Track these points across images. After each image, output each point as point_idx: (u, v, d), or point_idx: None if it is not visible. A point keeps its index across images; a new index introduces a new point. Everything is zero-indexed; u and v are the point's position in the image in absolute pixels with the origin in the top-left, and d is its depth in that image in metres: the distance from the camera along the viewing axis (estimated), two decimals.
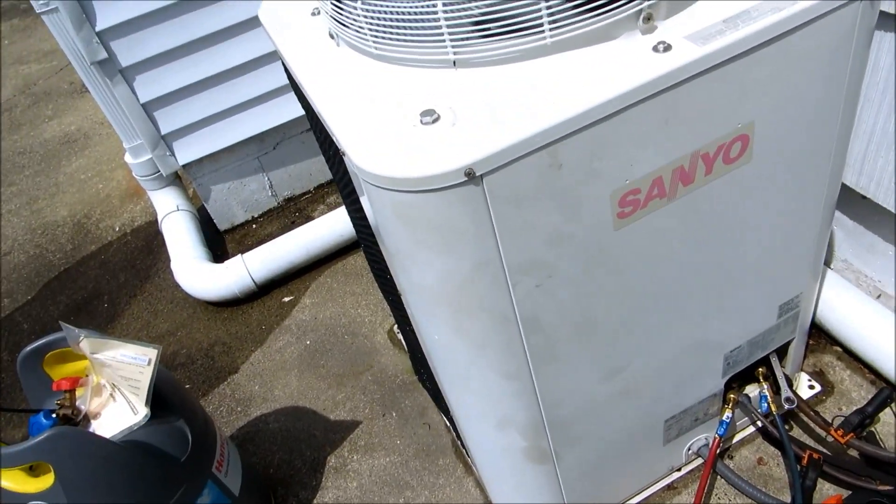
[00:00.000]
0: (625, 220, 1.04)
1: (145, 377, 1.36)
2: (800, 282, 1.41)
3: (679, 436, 1.55)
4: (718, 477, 1.64)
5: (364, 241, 1.42)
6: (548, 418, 1.27)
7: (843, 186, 1.69)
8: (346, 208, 1.59)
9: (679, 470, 1.68)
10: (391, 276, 1.26)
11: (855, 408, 1.57)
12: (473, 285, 1.02)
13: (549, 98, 0.91)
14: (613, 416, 1.37)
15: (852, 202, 1.76)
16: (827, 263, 1.94)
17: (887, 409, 1.62)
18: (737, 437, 1.71)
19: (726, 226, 1.17)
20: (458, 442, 1.86)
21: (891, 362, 1.64)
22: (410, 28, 0.96)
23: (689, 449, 1.61)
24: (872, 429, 1.62)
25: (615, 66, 0.93)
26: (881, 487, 1.44)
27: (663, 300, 1.21)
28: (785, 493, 1.59)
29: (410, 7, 0.93)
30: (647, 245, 1.10)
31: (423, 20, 0.94)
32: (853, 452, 1.60)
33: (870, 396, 1.63)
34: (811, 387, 1.76)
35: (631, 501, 1.66)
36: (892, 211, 1.60)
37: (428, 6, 0.92)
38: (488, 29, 0.94)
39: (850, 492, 1.50)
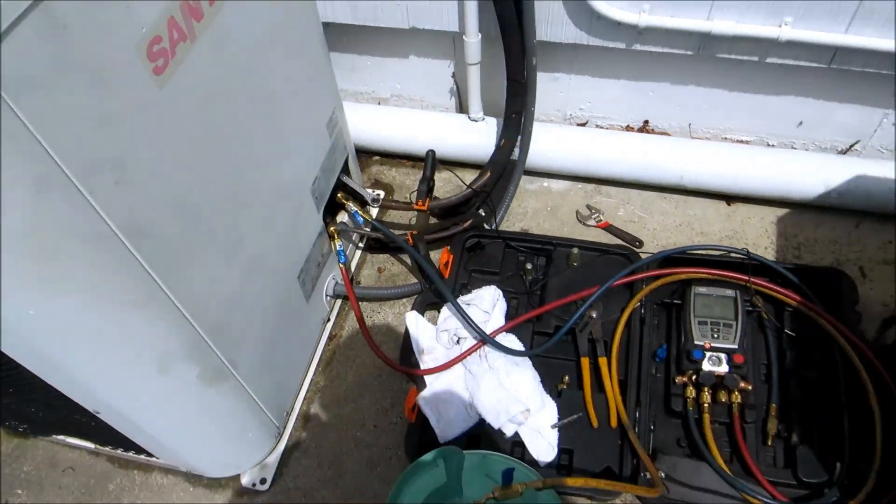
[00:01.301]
0: (164, 76, 0.96)
1: None
2: (329, 98, 1.53)
3: (314, 287, 1.61)
4: (360, 302, 1.78)
5: None
6: (203, 329, 1.16)
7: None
8: None
9: (329, 319, 1.75)
10: None
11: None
12: (44, 216, 0.84)
13: None
14: (258, 295, 1.33)
15: (331, 33, 1.94)
16: None
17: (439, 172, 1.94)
18: (353, 266, 1.85)
19: (253, 56, 1.17)
20: (118, 451, 1.60)
21: (408, 142, 1.95)
22: None
23: (327, 295, 1.69)
24: (436, 195, 1.93)
25: None
26: (466, 224, 1.75)
27: (238, 151, 1.18)
28: (410, 278, 1.81)
29: None
30: (197, 96, 1.04)
31: None
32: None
33: (418, 174, 1.92)
34: (378, 194, 1.97)
35: (310, 371, 1.68)
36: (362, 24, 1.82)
37: None
38: None
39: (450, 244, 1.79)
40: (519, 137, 1.77)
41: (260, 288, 1.34)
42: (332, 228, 1.65)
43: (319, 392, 1.67)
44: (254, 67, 1.19)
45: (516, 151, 1.80)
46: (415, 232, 1.70)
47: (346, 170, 1.68)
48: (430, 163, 1.70)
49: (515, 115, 1.72)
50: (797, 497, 1.38)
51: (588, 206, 1.88)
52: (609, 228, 1.83)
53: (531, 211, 1.91)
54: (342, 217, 1.73)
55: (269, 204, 1.32)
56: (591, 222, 1.85)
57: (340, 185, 1.67)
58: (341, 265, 1.65)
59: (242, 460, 1.53)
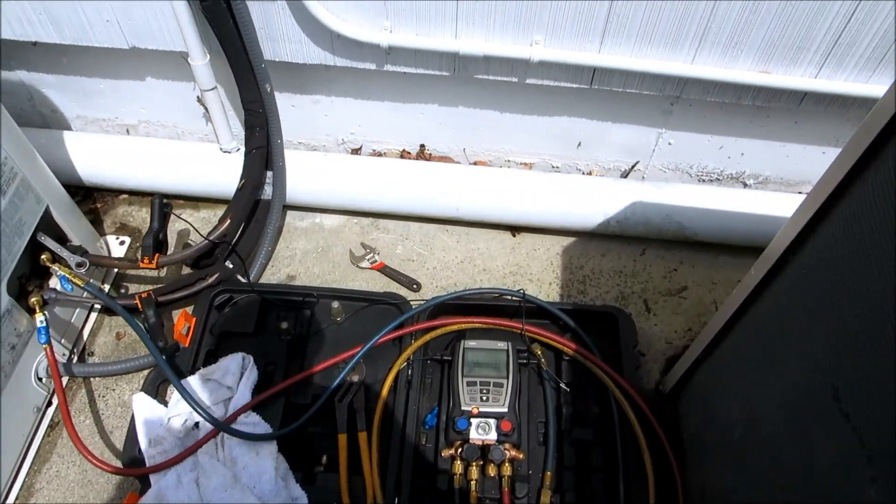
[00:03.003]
0: None
1: None
2: None
3: (13, 373, 1.31)
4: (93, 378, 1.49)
5: None
6: None
7: None
8: None
9: (51, 403, 1.46)
10: None
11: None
12: None
13: None
14: None
15: (43, 53, 1.62)
16: None
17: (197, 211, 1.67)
18: (86, 332, 1.56)
19: None
20: None
21: (151, 179, 1.68)
22: None
23: (38, 378, 1.39)
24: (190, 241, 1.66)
25: None
26: (211, 279, 1.50)
27: None
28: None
29: None
30: None
31: None
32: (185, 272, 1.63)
33: (178, 213, 1.66)
34: (122, 242, 1.68)
35: (22, 471, 1.38)
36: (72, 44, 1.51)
37: None
38: None
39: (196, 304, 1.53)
40: (269, 174, 1.53)
41: None
42: (33, 300, 1.35)
43: (32, 496, 1.37)
44: None
45: (269, 190, 1.56)
46: (144, 294, 1.42)
47: (47, 226, 1.38)
48: (156, 212, 1.42)
49: (257, 150, 1.47)
50: None
51: (363, 245, 1.67)
52: (384, 270, 1.63)
53: (300, 253, 1.67)
54: (54, 281, 1.43)
55: None
56: (365, 264, 1.64)
57: (42, 247, 1.37)
58: (45, 345, 1.35)
59: None
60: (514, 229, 1.69)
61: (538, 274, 1.63)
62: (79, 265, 1.36)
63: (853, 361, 0.77)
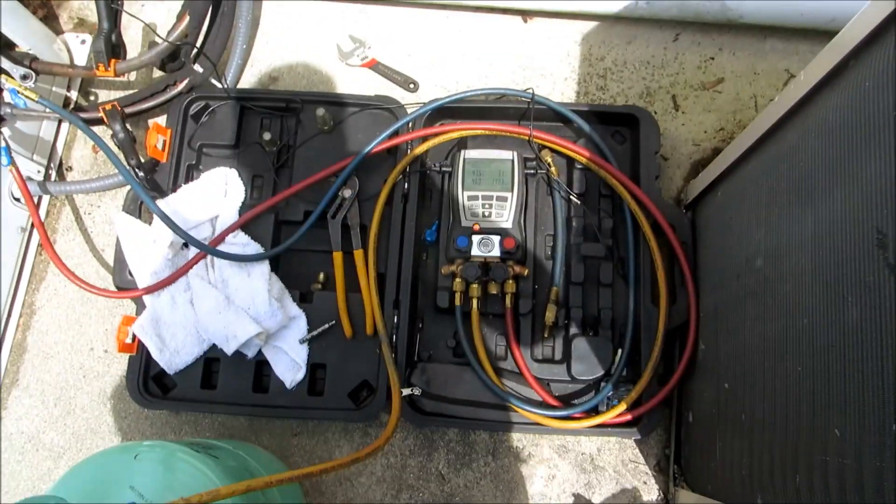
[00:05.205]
0: None
1: None
2: None
3: None
4: (67, 196, 1.41)
5: None
6: None
7: None
8: None
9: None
10: None
11: None
12: None
13: None
14: None
15: None
16: None
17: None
18: (59, 146, 1.44)
19: None
20: None
21: None
22: None
23: (14, 198, 1.32)
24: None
25: None
26: (180, 86, 1.34)
27: None
28: None
29: None
30: None
31: None
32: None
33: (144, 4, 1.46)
34: (83, 41, 1.49)
35: (19, 291, 1.37)
36: None
37: None
38: None
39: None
40: None
41: None
42: None
43: (35, 315, 1.37)
44: None
45: None
46: (108, 106, 1.28)
47: None
48: (102, 10, 1.22)
49: None
50: (571, 393, 1.23)
51: (352, 38, 1.46)
52: (377, 67, 1.44)
53: (281, 49, 1.48)
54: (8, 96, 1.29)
55: None
56: (355, 60, 1.45)
57: None
58: (8, 168, 1.25)
59: None
60: (526, 13, 1.45)
61: (552, 68, 1.42)
62: (24, 77, 1.21)
63: None
